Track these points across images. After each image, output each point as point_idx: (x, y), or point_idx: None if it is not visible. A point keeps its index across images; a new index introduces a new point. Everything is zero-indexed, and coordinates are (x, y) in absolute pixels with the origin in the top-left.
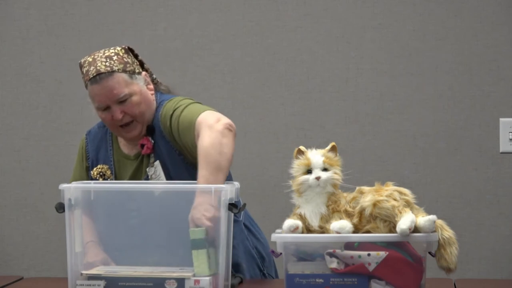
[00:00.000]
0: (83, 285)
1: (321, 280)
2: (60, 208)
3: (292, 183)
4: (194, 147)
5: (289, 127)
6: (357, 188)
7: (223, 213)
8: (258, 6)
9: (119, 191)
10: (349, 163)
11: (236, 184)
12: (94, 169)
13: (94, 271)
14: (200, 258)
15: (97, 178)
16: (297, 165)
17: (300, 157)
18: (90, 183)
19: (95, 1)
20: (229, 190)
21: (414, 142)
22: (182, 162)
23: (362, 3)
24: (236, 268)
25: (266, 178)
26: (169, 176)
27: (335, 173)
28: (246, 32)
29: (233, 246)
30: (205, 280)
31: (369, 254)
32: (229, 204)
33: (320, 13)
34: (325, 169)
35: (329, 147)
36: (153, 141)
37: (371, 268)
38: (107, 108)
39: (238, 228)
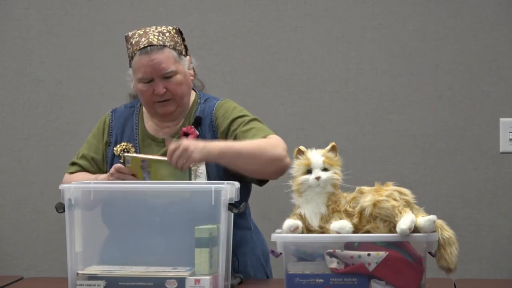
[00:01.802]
0: (83, 285)
1: (321, 280)
2: (60, 208)
3: (292, 183)
4: None
5: (289, 127)
6: (357, 188)
7: (223, 213)
8: (258, 6)
9: (119, 191)
10: (349, 163)
11: (236, 184)
12: (118, 145)
13: (91, 271)
14: (202, 256)
15: (120, 154)
16: (297, 165)
17: (300, 157)
18: (90, 183)
19: (95, 1)
20: (229, 190)
21: (414, 142)
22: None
23: (362, 3)
24: (245, 276)
25: None
26: (207, 174)
27: (335, 173)
28: (246, 32)
29: (243, 254)
30: (206, 279)
31: (369, 254)
32: (229, 204)
33: (320, 13)
34: (325, 169)
35: (329, 147)
36: (198, 133)
37: (371, 268)
38: (150, 81)
39: (249, 236)
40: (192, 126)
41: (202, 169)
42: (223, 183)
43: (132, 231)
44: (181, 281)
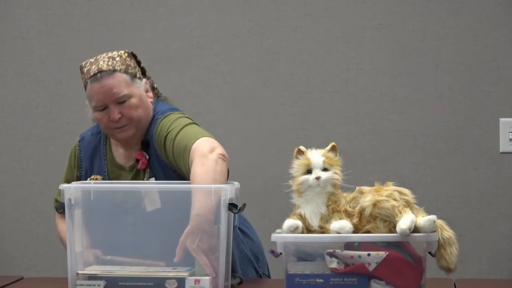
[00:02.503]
0: (83, 285)
1: (321, 280)
2: (60, 208)
3: (292, 183)
4: (188, 172)
5: (289, 127)
6: (357, 188)
7: (223, 213)
8: (258, 6)
9: (119, 191)
10: (349, 163)
11: (236, 184)
12: (89, 178)
13: (91, 271)
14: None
15: None
16: (297, 165)
17: (300, 157)
18: (90, 183)
19: (95, 1)
20: (229, 190)
21: (414, 142)
22: (178, 178)
23: (362, 3)
24: (233, 273)
25: (266, 178)
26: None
27: (335, 173)
28: (246, 32)
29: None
30: (205, 280)
31: (369, 254)
32: (229, 204)
33: (320, 13)
34: (325, 169)
35: (329, 147)
36: (147, 157)
37: (371, 268)
38: (104, 108)
39: (234, 233)
40: (142, 151)
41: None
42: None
43: (132, 231)
44: (181, 281)
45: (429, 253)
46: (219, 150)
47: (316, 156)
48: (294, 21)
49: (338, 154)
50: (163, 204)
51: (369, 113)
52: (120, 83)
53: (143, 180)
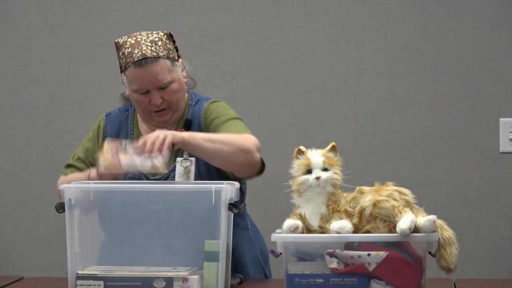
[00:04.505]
0: (83, 285)
1: (321, 280)
2: (60, 208)
3: (292, 183)
4: None
5: (289, 127)
6: (357, 188)
7: (223, 213)
8: (258, 6)
9: (119, 191)
10: (349, 163)
11: (236, 184)
12: None
13: (91, 271)
14: (210, 270)
15: None
16: (297, 165)
17: (300, 157)
18: (90, 183)
19: (95, 1)
20: (229, 190)
21: (414, 142)
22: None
23: (362, 3)
24: (244, 276)
25: (266, 178)
26: (198, 175)
27: (335, 173)
28: (246, 32)
29: (241, 256)
30: (194, 278)
31: (369, 254)
32: (229, 204)
33: (320, 13)
34: (325, 169)
35: (329, 147)
36: None
37: (371, 268)
38: (146, 92)
39: (247, 236)
40: (183, 129)
41: (192, 168)
42: (223, 183)
43: (131, 231)
44: (169, 281)
45: (429, 253)
46: (259, 154)
47: (316, 156)
48: (294, 21)
49: (338, 154)
50: (164, 204)
51: (369, 113)
52: (163, 69)
53: (179, 157)
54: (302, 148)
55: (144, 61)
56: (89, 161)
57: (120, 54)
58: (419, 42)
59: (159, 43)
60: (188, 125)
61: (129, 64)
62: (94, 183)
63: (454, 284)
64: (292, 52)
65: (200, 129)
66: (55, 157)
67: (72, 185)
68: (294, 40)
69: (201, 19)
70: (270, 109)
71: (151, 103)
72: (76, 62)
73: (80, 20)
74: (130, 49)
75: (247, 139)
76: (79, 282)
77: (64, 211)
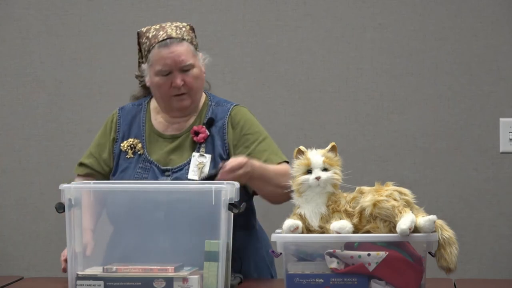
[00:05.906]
0: (83, 285)
1: (321, 280)
2: (60, 208)
3: (292, 183)
4: None
5: (289, 127)
6: (357, 188)
7: (223, 213)
8: (258, 6)
9: (119, 191)
10: (349, 163)
11: (236, 184)
12: (125, 142)
13: (91, 271)
14: (211, 270)
15: (127, 150)
16: (297, 165)
17: (300, 157)
18: (89, 183)
19: (95, 1)
20: (229, 190)
21: (414, 142)
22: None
23: (362, 3)
24: (250, 277)
25: None
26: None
27: (335, 173)
28: (246, 32)
29: (248, 255)
30: (194, 278)
31: (369, 254)
32: (229, 204)
33: (320, 13)
34: (325, 169)
35: (329, 147)
36: (208, 134)
37: (371, 268)
38: (168, 74)
39: (254, 236)
40: (204, 126)
41: (207, 165)
42: (223, 183)
43: (131, 231)
44: (169, 281)
45: (429, 253)
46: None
47: (316, 156)
48: (294, 21)
49: (338, 154)
50: (164, 204)
51: (369, 113)
52: (187, 51)
53: (195, 151)
54: (302, 148)
55: (169, 40)
56: (100, 156)
57: (144, 39)
58: (419, 42)
59: (183, 29)
60: (210, 124)
61: (154, 45)
62: (94, 183)
63: (454, 284)
64: (292, 52)
65: (223, 132)
66: (55, 157)
67: (72, 185)
68: (294, 40)
69: (201, 19)
70: (270, 109)
71: (172, 85)
72: (76, 62)
73: (80, 20)
74: (154, 32)
75: (287, 175)
76: (79, 282)
77: (64, 211)
